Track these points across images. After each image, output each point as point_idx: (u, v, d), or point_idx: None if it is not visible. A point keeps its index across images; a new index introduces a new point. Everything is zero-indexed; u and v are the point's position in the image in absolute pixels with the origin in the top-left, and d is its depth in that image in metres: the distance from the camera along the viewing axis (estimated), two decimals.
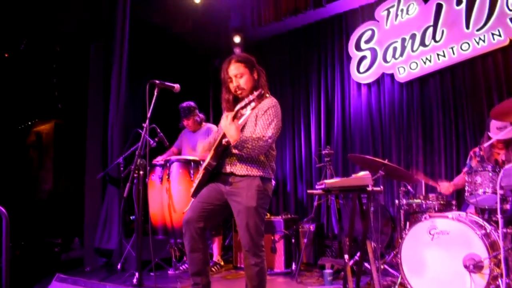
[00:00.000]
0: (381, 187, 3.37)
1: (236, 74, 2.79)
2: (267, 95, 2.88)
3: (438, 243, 3.09)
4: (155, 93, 3.10)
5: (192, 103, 4.78)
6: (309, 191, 3.56)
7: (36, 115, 7.24)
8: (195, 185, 2.86)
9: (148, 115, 3.09)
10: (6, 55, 5.88)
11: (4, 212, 2.83)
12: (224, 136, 2.72)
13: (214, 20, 6.29)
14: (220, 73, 2.87)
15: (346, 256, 3.21)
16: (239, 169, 2.76)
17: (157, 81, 3.11)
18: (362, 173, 2.99)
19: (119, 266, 4.48)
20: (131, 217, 5.60)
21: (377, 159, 3.66)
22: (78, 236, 5.96)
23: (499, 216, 2.24)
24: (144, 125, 3.10)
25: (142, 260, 4.56)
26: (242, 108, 2.66)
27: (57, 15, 5.13)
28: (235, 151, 2.69)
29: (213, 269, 4.57)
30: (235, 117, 2.65)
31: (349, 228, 3.34)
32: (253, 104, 2.67)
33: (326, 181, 2.99)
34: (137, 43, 5.49)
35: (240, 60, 2.80)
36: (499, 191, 2.03)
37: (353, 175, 3.04)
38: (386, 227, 4.71)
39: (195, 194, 2.86)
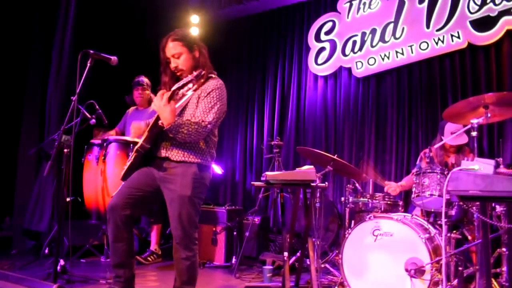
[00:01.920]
0: (326, 183, 3.24)
1: (174, 53, 2.56)
2: (213, 75, 2.65)
3: (381, 244, 2.98)
4: (88, 64, 2.81)
5: (148, 80, 4.61)
6: (252, 182, 3.38)
7: None
8: (125, 167, 2.60)
9: (78, 87, 2.82)
10: None
11: None
12: (159, 117, 2.47)
13: None
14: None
15: (286, 253, 3.05)
16: (175, 154, 2.53)
17: (91, 51, 2.82)
18: (306, 167, 2.83)
19: (46, 251, 4.17)
20: (67, 199, 5.25)
21: (326, 153, 3.52)
22: (9, 215, 5.54)
23: (443, 221, 2.12)
24: (73, 98, 2.80)
25: (73, 245, 4.30)
26: (179, 88, 2.43)
27: None
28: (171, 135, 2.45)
29: (149, 258, 4.34)
30: (171, 98, 2.41)
31: (291, 223, 3.19)
32: (191, 85, 2.45)
33: (267, 173, 2.80)
34: (85, 14, 5.09)
35: (177, 39, 2.56)
36: (445, 195, 1.90)
37: (297, 169, 2.87)
38: (332, 224, 4.61)
39: (125, 177, 2.61)
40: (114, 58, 2.94)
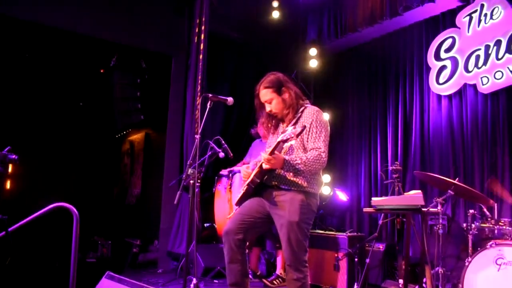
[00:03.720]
0: (440, 207, 3.12)
1: (266, 100, 2.88)
2: (306, 105, 2.87)
3: (505, 274, 2.75)
4: (208, 106, 3.22)
5: None
6: (364, 209, 3.40)
7: (130, 125, 7.87)
8: (240, 195, 2.90)
9: (200, 127, 3.22)
10: (101, 70, 6.51)
11: (75, 211, 3.08)
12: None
13: (291, 33, 6.34)
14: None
15: (401, 281, 3.01)
16: (283, 182, 2.76)
17: (210, 95, 3.22)
18: (413, 192, 2.79)
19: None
20: (205, 225, 5.83)
21: (444, 177, 3.38)
22: (157, 239, 6.34)
23: None
24: (197, 136, 3.22)
25: (206, 266, 4.76)
26: (284, 141, 2.63)
27: (142, 33, 5.58)
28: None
29: (275, 282, 4.55)
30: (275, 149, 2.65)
31: (405, 250, 3.13)
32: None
33: (373, 198, 2.83)
34: (216, 58, 5.74)
35: (268, 86, 2.87)
36: None
37: (405, 194, 2.84)
38: (464, 253, 4.30)
39: (239, 203, 2.91)
40: (230, 99, 3.29)
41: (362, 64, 6.12)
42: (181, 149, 5.65)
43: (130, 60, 5.93)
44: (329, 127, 2.83)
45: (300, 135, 2.65)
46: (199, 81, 5.22)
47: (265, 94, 2.87)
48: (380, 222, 4.45)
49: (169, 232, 5.44)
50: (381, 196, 5.57)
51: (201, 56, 5.20)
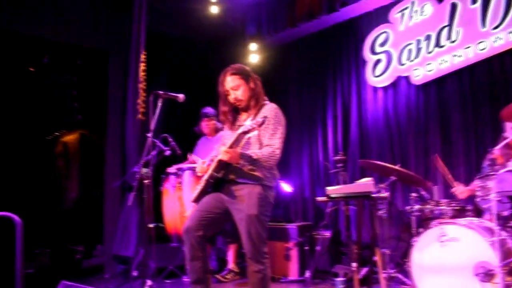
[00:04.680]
0: (387, 193, 3.31)
1: (233, 86, 2.84)
2: (265, 102, 2.90)
3: (448, 250, 2.99)
4: (159, 104, 3.16)
5: (215, 110, 4.87)
6: (317, 198, 3.53)
7: (63, 126, 7.47)
8: (197, 191, 2.88)
9: (152, 125, 3.16)
10: (31, 69, 6.11)
11: (18, 220, 2.91)
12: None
13: (231, 28, 6.36)
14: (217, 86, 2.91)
15: (354, 264, 3.16)
16: (240, 176, 2.78)
17: (160, 92, 3.17)
18: (364, 180, 2.94)
19: (134, 273, 4.56)
20: (150, 225, 5.70)
21: (388, 164, 3.59)
22: (100, 243, 6.11)
23: (495, 221, 2.14)
24: (149, 135, 3.15)
25: (158, 267, 4.67)
26: (244, 133, 2.64)
27: (77, 29, 5.33)
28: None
29: (227, 276, 4.58)
30: (236, 142, 2.67)
31: (357, 235, 3.29)
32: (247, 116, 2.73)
33: (328, 188, 2.95)
34: (155, 54, 5.60)
35: (235, 73, 2.86)
36: (496, 197, 1.94)
37: (356, 182, 2.99)
38: (404, 234, 4.58)
39: (196, 200, 2.89)
40: (181, 96, 3.25)
41: (301, 58, 6.28)
42: (122, 149, 5.47)
43: (65, 57, 5.63)
44: (285, 125, 2.87)
45: (259, 130, 2.69)
46: (141, 79, 5.08)
47: (232, 80, 2.83)
48: (328, 210, 4.63)
49: (114, 235, 5.26)
50: (324, 185, 5.79)
51: (142, 54, 5.07)
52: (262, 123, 2.60)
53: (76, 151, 7.66)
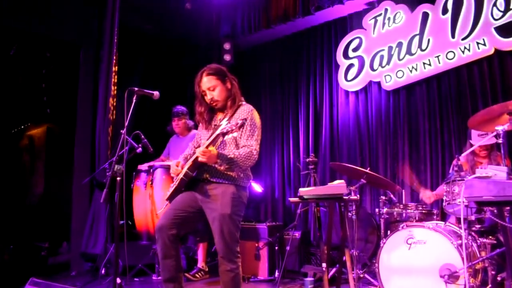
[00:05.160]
0: (357, 195, 3.39)
1: (209, 86, 2.84)
2: (242, 102, 2.91)
3: (415, 252, 3.09)
4: (134, 100, 3.12)
5: (185, 108, 4.86)
6: (289, 198, 3.57)
7: (29, 119, 7.26)
8: (171, 190, 2.87)
9: (126, 122, 3.10)
10: None
11: None
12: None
13: (205, 27, 6.34)
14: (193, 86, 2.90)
15: (324, 265, 3.21)
16: (214, 175, 2.78)
17: (135, 88, 3.12)
18: (337, 182, 2.99)
19: (103, 271, 4.48)
20: (120, 222, 5.61)
21: (358, 167, 3.67)
22: (66, 240, 5.97)
23: (462, 226, 2.23)
24: (122, 131, 3.11)
25: (125, 265, 4.61)
26: (223, 135, 2.65)
27: (48, 21, 5.19)
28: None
29: (197, 275, 4.57)
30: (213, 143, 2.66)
31: (327, 236, 3.34)
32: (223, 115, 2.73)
33: (301, 189, 2.99)
34: (127, 50, 5.52)
35: (211, 73, 2.85)
36: (465, 202, 2.03)
37: (329, 184, 3.05)
38: (371, 236, 4.69)
39: (170, 199, 2.88)
40: (156, 93, 3.21)
41: (275, 59, 6.34)
42: (92, 145, 5.37)
43: (34, 49, 5.46)
44: (261, 127, 2.89)
45: (238, 132, 2.69)
46: (113, 75, 5.00)
47: (208, 80, 2.82)
48: (299, 211, 4.69)
49: (82, 233, 5.16)
50: (294, 186, 5.87)
51: (115, 49, 4.98)
52: (242, 125, 2.61)
53: (42, 145, 7.45)
